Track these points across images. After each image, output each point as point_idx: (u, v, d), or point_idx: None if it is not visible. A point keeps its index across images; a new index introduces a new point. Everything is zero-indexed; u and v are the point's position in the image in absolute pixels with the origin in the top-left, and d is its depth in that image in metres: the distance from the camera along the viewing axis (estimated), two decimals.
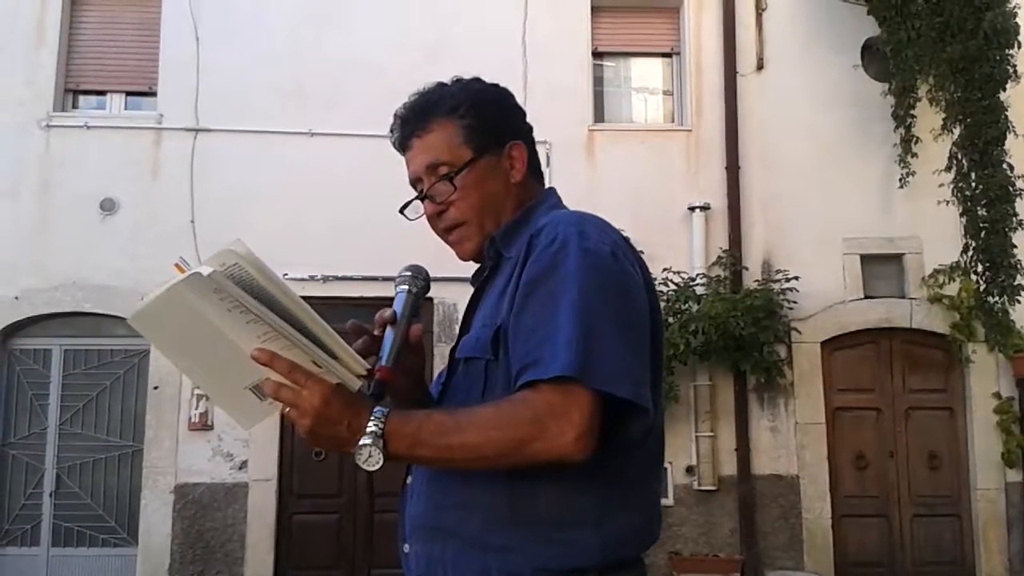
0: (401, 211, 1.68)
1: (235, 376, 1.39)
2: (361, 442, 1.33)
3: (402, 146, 1.66)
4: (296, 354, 1.33)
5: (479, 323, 1.54)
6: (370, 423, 1.34)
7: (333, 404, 1.34)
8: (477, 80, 1.69)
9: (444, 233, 1.65)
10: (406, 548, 1.57)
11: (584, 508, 1.44)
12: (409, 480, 1.59)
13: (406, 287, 1.59)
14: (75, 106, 8.46)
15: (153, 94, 8.31)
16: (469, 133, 1.60)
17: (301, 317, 1.31)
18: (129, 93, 8.49)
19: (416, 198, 1.65)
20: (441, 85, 1.67)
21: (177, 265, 1.31)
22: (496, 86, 1.70)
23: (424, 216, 1.66)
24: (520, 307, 1.43)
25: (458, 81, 1.68)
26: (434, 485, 1.51)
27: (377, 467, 1.33)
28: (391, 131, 1.67)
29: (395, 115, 1.66)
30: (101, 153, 8.04)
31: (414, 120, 1.63)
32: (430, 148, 1.60)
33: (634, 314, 1.46)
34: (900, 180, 7.91)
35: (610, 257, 1.45)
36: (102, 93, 8.52)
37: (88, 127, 8.12)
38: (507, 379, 1.42)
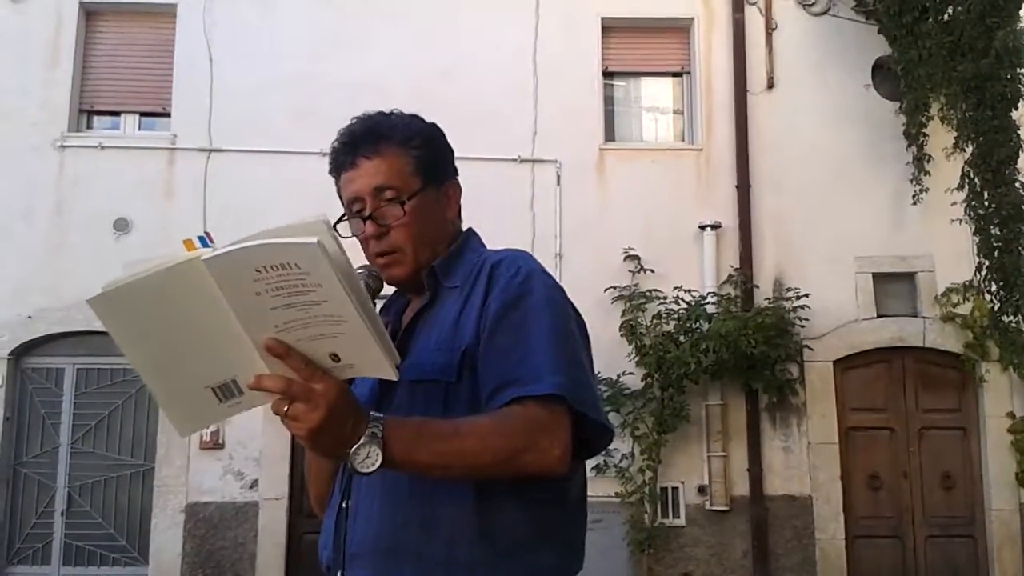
0: (334, 225, 1.70)
1: (199, 373, 1.33)
2: (361, 442, 1.32)
3: (348, 164, 1.67)
4: (313, 347, 1.29)
5: (431, 347, 1.57)
6: (370, 425, 1.33)
7: (345, 400, 1.31)
8: (419, 117, 1.74)
9: (377, 255, 1.67)
10: None
11: (545, 527, 1.54)
12: (346, 504, 1.58)
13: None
14: (89, 126, 8.53)
15: (167, 114, 8.38)
16: (419, 165, 1.66)
17: (362, 301, 1.29)
18: (143, 114, 8.56)
19: (354, 216, 1.67)
20: (387, 114, 1.71)
21: (188, 241, 1.26)
22: (435, 125, 1.75)
23: (355, 236, 1.69)
24: (493, 331, 1.52)
25: (403, 115, 1.73)
26: (390, 504, 1.51)
27: (373, 469, 1.32)
28: (332, 147, 1.70)
29: (342, 133, 1.69)
30: (115, 173, 8.10)
31: (366, 142, 1.66)
32: (380, 172, 1.64)
33: (586, 343, 1.63)
34: (913, 197, 7.89)
35: (563, 291, 1.61)
36: (116, 114, 8.59)
37: (102, 147, 8.18)
38: (471, 398, 1.51)
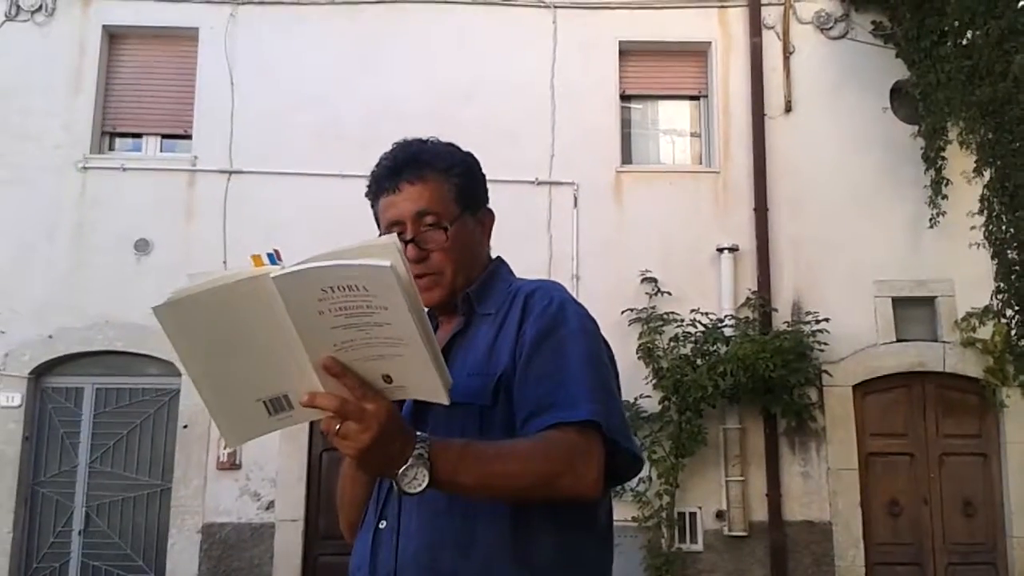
0: None
1: (252, 386, 1.36)
2: (409, 463, 1.34)
3: (390, 188, 1.72)
4: (367, 368, 1.32)
5: (465, 371, 1.59)
6: (417, 446, 1.35)
7: (395, 421, 1.34)
8: (456, 146, 1.80)
9: (416, 278, 1.67)
10: None
11: (576, 551, 1.57)
12: (383, 525, 1.60)
13: None
14: (111, 148, 8.63)
15: (188, 137, 8.47)
16: (458, 192, 1.72)
17: (424, 324, 1.31)
18: (165, 136, 8.66)
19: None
20: (425, 142, 1.77)
21: (256, 257, 1.29)
22: (472, 155, 1.81)
23: None
24: (529, 358, 1.56)
25: (443, 143, 1.79)
26: (428, 525, 1.53)
27: (420, 490, 1.34)
28: (374, 172, 1.76)
29: (384, 158, 1.75)
30: (136, 194, 8.18)
31: (409, 168, 1.71)
32: (422, 197, 1.69)
33: (615, 372, 1.66)
34: (930, 221, 7.87)
35: (595, 321, 1.66)
36: (138, 136, 8.69)
37: (124, 169, 8.27)
38: (505, 422, 1.55)
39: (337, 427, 1.31)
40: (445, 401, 1.37)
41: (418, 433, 1.37)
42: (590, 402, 1.50)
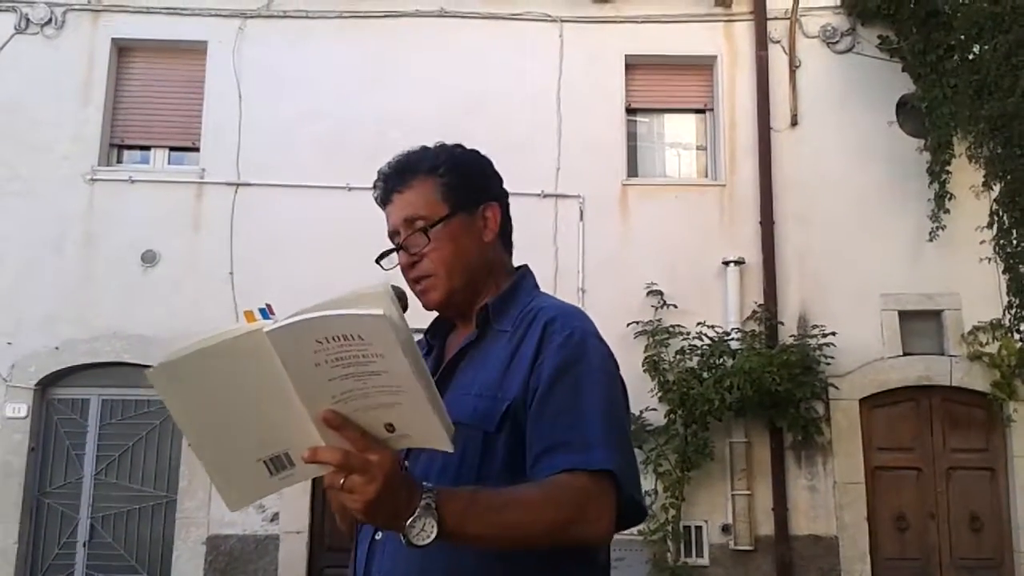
0: (377, 261, 1.77)
1: (251, 445, 1.32)
2: (416, 514, 1.30)
3: (383, 201, 1.74)
4: (368, 418, 1.28)
5: (474, 390, 1.57)
6: (424, 496, 1.31)
7: (399, 473, 1.29)
8: (459, 146, 1.79)
9: (414, 283, 1.71)
10: None
11: None
12: (379, 536, 1.57)
13: None
14: (119, 160, 8.65)
15: (196, 149, 8.50)
16: (446, 191, 1.70)
17: (421, 370, 1.28)
18: (172, 148, 8.68)
19: (393, 250, 1.74)
20: (424, 148, 1.76)
21: (248, 313, 1.27)
22: (476, 152, 1.80)
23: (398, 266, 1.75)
24: (545, 392, 1.52)
25: (441, 145, 1.78)
26: (419, 552, 1.47)
27: (428, 541, 1.30)
28: (374, 187, 1.77)
29: (378, 173, 1.76)
30: (144, 206, 8.20)
31: (396, 177, 1.72)
32: (409, 203, 1.69)
33: (628, 410, 1.65)
34: (930, 234, 7.88)
35: (615, 360, 1.62)
36: (146, 148, 8.72)
37: (132, 181, 8.30)
38: (508, 452, 1.52)
39: (341, 481, 1.26)
40: (450, 448, 1.33)
41: (424, 483, 1.33)
42: (606, 448, 1.46)
